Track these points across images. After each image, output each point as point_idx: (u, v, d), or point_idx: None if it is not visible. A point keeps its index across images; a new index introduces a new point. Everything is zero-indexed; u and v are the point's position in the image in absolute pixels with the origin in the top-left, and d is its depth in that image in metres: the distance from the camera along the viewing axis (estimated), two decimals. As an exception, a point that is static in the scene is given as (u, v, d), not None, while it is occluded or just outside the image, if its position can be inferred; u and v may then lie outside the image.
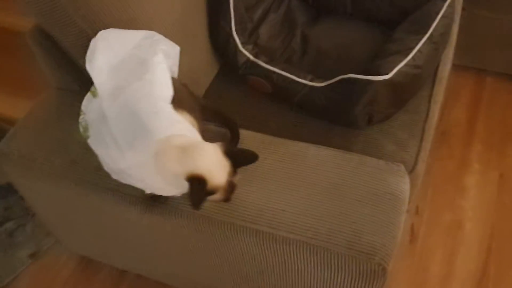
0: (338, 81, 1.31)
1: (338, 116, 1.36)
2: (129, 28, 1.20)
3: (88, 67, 1.05)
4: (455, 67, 2.17)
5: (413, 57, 1.30)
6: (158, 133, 0.94)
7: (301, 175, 1.14)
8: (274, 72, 1.41)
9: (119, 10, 1.19)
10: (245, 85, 1.50)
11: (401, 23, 1.44)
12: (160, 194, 1.07)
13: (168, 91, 1.01)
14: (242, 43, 1.45)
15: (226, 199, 0.99)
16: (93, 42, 1.08)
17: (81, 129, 1.09)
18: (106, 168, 1.05)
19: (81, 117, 1.10)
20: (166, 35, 1.31)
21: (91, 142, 1.04)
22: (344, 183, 1.11)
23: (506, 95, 2.14)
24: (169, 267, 1.48)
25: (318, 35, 1.57)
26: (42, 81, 1.42)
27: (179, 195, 1.04)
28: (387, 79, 1.25)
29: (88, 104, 1.09)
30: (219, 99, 1.50)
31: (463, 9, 1.65)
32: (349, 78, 1.28)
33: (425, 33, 1.34)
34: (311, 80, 1.37)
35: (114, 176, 1.06)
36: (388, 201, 1.09)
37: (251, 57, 1.44)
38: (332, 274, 1.08)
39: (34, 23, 1.31)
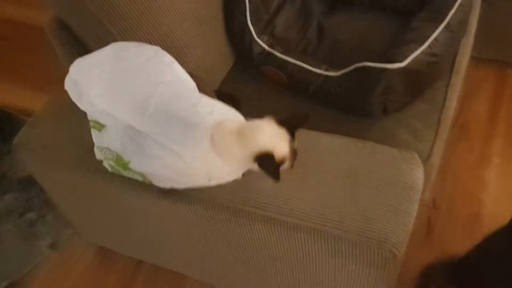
0: (353, 70, 1.30)
1: (353, 106, 1.35)
2: (144, 18, 1.22)
3: (83, 105, 1.04)
4: (477, 60, 2.14)
5: (429, 45, 1.28)
6: (204, 121, 0.96)
7: (313, 163, 1.14)
8: (289, 63, 1.41)
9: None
10: (260, 76, 1.51)
11: (418, 13, 1.43)
12: (225, 181, 1.06)
13: (191, 82, 1.03)
14: (258, 33, 1.46)
15: (292, 165, 1.00)
16: (70, 82, 1.06)
17: (111, 164, 1.07)
18: (157, 182, 1.04)
19: (102, 153, 1.09)
20: (181, 25, 1.33)
21: (135, 165, 1.02)
22: (356, 171, 1.11)
23: (527, 88, 2.11)
24: (184, 257, 1.49)
25: (334, 26, 1.57)
26: (61, 74, 1.44)
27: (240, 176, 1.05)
28: (402, 67, 1.24)
29: (100, 139, 1.08)
30: (235, 90, 1.50)
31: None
32: (364, 67, 1.27)
33: (442, 21, 1.33)
34: (326, 70, 1.37)
35: (169, 185, 1.05)
36: (401, 189, 1.08)
37: (266, 47, 1.44)
38: (344, 261, 1.08)
39: (52, 14, 1.33)
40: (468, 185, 1.85)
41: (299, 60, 1.40)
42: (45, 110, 1.38)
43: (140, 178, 1.07)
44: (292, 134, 0.99)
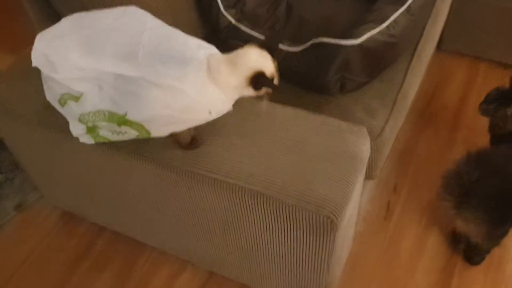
0: (311, 46, 1.33)
1: (311, 82, 1.38)
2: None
3: (60, 74, 1.03)
4: (450, 52, 2.19)
5: (387, 26, 1.31)
6: (197, 55, 1.02)
7: (263, 132, 1.17)
8: (253, 37, 1.43)
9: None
10: (229, 50, 1.52)
11: (383, -5, 1.46)
12: (222, 113, 1.07)
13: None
14: (225, 7, 1.48)
15: (278, 83, 1.07)
16: (38, 56, 1.05)
17: (101, 125, 1.07)
18: (157, 129, 1.05)
19: (82, 125, 1.10)
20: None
21: (134, 114, 1.02)
22: (303, 141, 1.14)
23: (496, 83, 2.14)
24: (141, 222, 1.51)
25: (302, 5, 1.59)
26: (33, 36, 1.45)
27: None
28: (356, 44, 1.27)
29: (81, 107, 1.06)
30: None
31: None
32: (321, 43, 1.30)
33: (403, 4, 1.36)
34: (288, 46, 1.39)
35: (169, 130, 1.06)
36: (346, 159, 1.11)
37: (233, 20, 1.47)
38: (286, 226, 1.11)
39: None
40: (431, 172, 1.88)
41: (263, 35, 1.42)
42: (11, 69, 1.40)
43: (134, 135, 1.07)
44: (272, 54, 1.06)
